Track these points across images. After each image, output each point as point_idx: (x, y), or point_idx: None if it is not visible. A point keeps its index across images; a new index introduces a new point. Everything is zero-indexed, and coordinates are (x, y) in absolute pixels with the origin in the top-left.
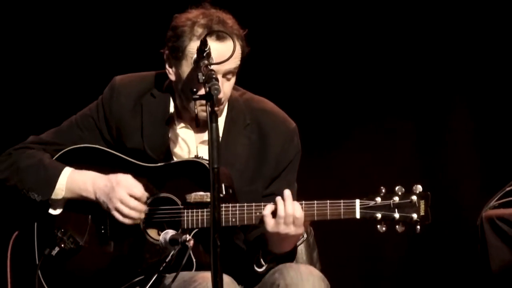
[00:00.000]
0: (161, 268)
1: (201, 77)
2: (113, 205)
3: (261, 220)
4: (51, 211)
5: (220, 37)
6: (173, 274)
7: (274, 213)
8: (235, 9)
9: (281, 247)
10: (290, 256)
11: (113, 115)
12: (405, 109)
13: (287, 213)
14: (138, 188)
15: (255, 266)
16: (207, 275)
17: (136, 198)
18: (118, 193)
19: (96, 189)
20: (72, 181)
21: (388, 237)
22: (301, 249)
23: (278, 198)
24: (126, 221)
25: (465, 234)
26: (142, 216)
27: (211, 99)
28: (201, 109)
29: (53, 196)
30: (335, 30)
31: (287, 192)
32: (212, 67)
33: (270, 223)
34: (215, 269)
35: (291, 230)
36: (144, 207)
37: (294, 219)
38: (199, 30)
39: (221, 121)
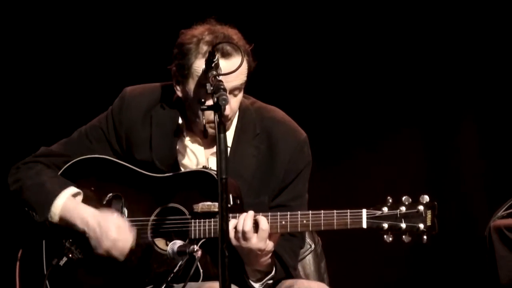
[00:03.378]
0: (169, 279)
1: (209, 87)
2: (100, 251)
3: None
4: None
5: (225, 55)
6: (181, 285)
7: (235, 228)
8: (242, 22)
9: (250, 262)
10: (286, 277)
11: (122, 126)
12: (412, 120)
13: (243, 230)
14: (124, 239)
15: (251, 281)
16: (214, 285)
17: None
18: (105, 244)
19: (85, 230)
20: (65, 210)
21: (395, 247)
22: (309, 259)
23: (242, 214)
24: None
25: (473, 244)
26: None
27: (219, 109)
28: (209, 126)
29: (50, 219)
30: (346, 42)
31: (249, 212)
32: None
33: (232, 237)
34: (223, 279)
35: (252, 244)
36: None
37: (249, 233)
38: (204, 48)
39: (231, 130)
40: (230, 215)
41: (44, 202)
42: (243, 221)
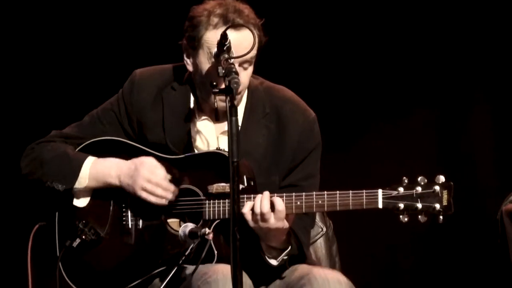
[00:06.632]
0: (180, 262)
1: (221, 71)
2: (138, 185)
3: None
4: (75, 202)
5: (236, 26)
6: (193, 266)
7: (252, 210)
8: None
9: (268, 240)
10: (300, 255)
11: (134, 109)
12: (427, 100)
13: (261, 211)
14: (161, 168)
15: (267, 258)
16: (226, 267)
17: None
18: (142, 172)
19: (120, 174)
20: (95, 168)
21: (407, 230)
22: (320, 242)
23: (257, 196)
24: (153, 199)
25: (485, 227)
26: (169, 196)
27: (231, 92)
28: (219, 99)
29: (77, 185)
30: (357, 21)
31: (265, 193)
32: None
33: (249, 219)
34: (234, 262)
35: (271, 224)
36: (169, 185)
37: (268, 214)
38: (215, 20)
39: (241, 109)
40: (245, 196)
41: (71, 168)
42: (259, 202)
